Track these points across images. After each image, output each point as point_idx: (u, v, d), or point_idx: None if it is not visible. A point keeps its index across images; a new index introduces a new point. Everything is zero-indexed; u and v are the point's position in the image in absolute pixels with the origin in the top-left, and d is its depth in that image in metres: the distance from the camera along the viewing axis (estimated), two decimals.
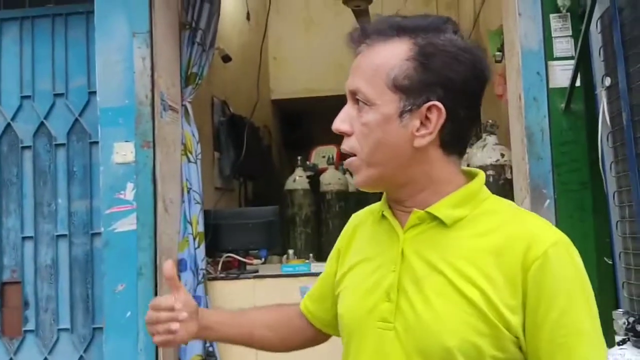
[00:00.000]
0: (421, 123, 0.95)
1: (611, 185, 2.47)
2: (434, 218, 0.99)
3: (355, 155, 1.01)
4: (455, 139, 0.99)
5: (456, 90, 0.95)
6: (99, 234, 2.91)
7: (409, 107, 0.95)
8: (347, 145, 1.02)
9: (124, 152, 2.88)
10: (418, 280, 0.97)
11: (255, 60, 5.32)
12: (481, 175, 1.02)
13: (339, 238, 1.26)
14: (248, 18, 5.18)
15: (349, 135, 1.01)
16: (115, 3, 2.94)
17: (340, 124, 1.03)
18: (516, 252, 0.91)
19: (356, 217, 1.24)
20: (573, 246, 0.94)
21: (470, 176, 1.03)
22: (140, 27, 2.93)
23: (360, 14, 5.56)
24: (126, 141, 2.89)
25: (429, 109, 0.94)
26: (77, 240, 3.04)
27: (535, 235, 0.93)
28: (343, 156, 1.07)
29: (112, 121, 2.90)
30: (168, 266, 1.11)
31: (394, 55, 0.96)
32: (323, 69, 6.78)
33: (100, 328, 2.87)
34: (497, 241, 0.94)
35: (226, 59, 4.55)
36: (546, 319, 0.89)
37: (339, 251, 1.22)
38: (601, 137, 2.48)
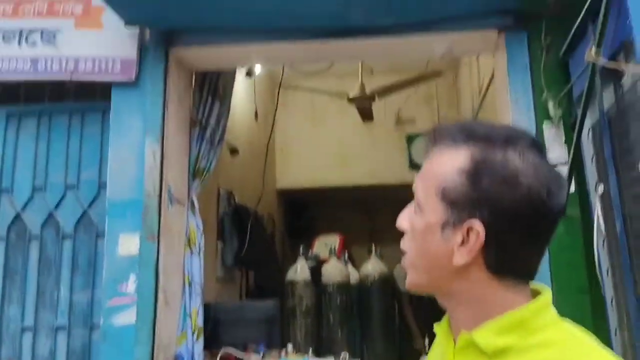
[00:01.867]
0: (463, 240, 0.89)
1: (609, 290, 2.48)
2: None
3: (404, 254, 1.00)
4: (506, 263, 0.89)
5: (502, 214, 0.87)
6: (98, 326, 2.91)
7: (452, 222, 0.90)
8: (402, 243, 1.00)
9: (128, 244, 2.94)
10: None
11: (262, 152, 5.49)
12: (541, 298, 0.90)
13: None
14: (256, 117, 5.40)
15: (405, 233, 0.99)
16: (131, 101, 3.11)
17: (400, 220, 1.00)
18: None
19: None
20: None
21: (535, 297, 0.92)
22: (153, 124, 3.08)
23: (364, 111, 5.80)
24: (131, 234, 2.95)
25: (469, 228, 0.89)
26: (76, 332, 3.03)
27: None
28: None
29: (119, 213, 2.98)
30: None
31: (451, 164, 0.91)
32: (327, 161, 6.97)
33: None
34: None
35: (234, 151, 4.71)
36: None
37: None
38: (597, 242, 2.53)
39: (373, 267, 5.33)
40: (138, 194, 3.00)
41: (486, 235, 0.87)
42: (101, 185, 3.15)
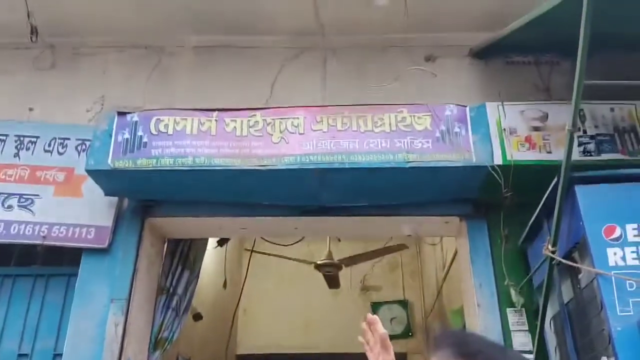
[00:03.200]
0: None
1: None
2: None
3: None
4: None
5: None
6: None
7: None
8: None
9: None
10: None
11: (227, 317, 5.38)
12: None
13: None
14: (225, 286, 5.37)
15: None
16: (100, 267, 3.09)
17: None
18: None
19: None
20: None
21: None
22: (120, 293, 3.04)
23: (330, 278, 5.84)
24: None
25: None
26: None
27: None
28: None
29: None
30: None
31: None
32: (291, 326, 6.82)
33: None
34: None
35: (197, 317, 4.60)
36: None
37: None
38: None
39: None
40: None
41: None
42: (56, 356, 3.00)
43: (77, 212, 3.15)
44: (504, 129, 2.97)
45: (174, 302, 3.43)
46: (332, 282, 6.01)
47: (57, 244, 3.10)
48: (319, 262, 5.63)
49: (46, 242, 3.10)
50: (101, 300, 3.01)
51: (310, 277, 6.51)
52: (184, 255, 3.58)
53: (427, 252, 6.43)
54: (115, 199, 3.21)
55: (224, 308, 5.63)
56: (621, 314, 2.06)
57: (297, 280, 6.96)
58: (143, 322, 3.20)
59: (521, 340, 2.86)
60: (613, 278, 2.08)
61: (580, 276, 2.41)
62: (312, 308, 6.96)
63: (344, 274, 6.21)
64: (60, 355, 2.93)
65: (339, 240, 6.33)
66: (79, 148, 3.33)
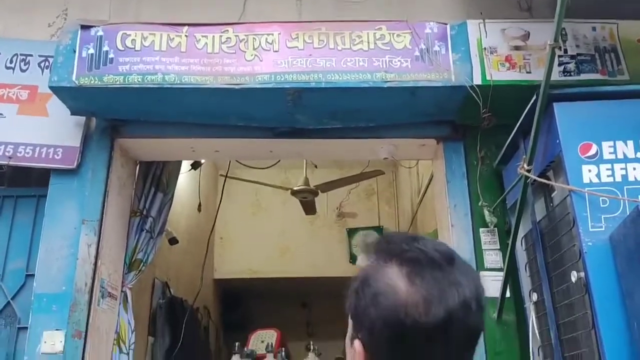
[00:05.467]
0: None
1: None
2: None
3: None
4: None
5: (370, 334, 0.89)
6: None
7: (352, 336, 0.92)
8: None
9: (52, 341, 2.75)
10: None
11: (202, 242, 5.39)
12: None
13: None
14: (199, 209, 5.34)
15: None
16: (70, 189, 3.02)
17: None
18: None
19: None
20: None
21: None
22: (91, 214, 2.99)
23: (307, 204, 5.85)
24: (57, 330, 2.76)
25: (353, 346, 0.91)
26: None
27: None
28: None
29: (45, 308, 2.80)
30: None
31: (354, 279, 0.94)
32: (267, 252, 6.90)
33: None
34: None
35: (173, 241, 4.60)
36: None
37: None
38: (533, 349, 2.57)
39: None
40: (68, 287, 2.84)
41: (365, 354, 0.88)
42: (28, 276, 2.98)
43: (43, 131, 3.04)
44: (485, 48, 2.90)
45: (148, 224, 3.40)
46: (309, 208, 6.03)
47: (24, 164, 3.00)
48: (295, 189, 5.62)
49: (12, 163, 3.00)
50: (72, 221, 2.96)
51: (287, 203, 6.54)
52: (156, 178, 3.52)
53: (402, 178, 6.47)
54: (82, 118, 3.10)
55: (200, 233, 5.64)
56: (593, 229, 2.08)
57: (274, 207, 7.00)
58: (116, 243, 3.17)
59: (493, 259, 2.92)
60: (586, 195, 2.09)
61: (553, 195, 2.42)
62: (289, 234, 7.03)
63: (321, 201, 6.23)
64: (33, 275, 2.91)
65: (316, 167, 6.32)
66: (42, 65, 3.18)
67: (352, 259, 6.90)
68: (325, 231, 7.06)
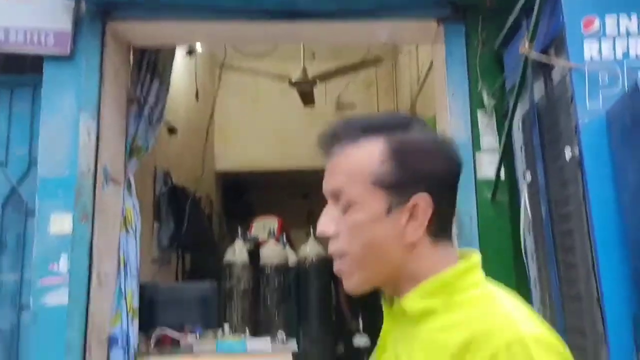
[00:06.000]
0: (410, 216, 0.93)
1: (533, 272, 2.64)
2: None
3: (342, 257, 0.97)
4: (443, 226, 0.96)
5: (437, 181, 0.95)
6: (27, 307, 2.81)
7: (395, 204, 0.93)
8: (335, 247, 0.97)
9: (61, 223, 2.84)
10: None
11: (201, 132, 5.42)
12: (466, 261, 0.95)
13: None
14: (197, 97, 5.30)
15: (335, 237, 0.99)
16: (65, 76, 2.99)
17: (325, 227, 0.98)
18: (472, 353, 0.82)
19: None
20: (543, 346, 0.81)
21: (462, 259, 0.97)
22: (88, 100, 2.98)
23: (305, 95, 5.81)
24: (64, 213, 2.85)
25: (414, 204, 0.93)
26: (4, 313, 2.91)
27: (490, 333, 0.82)
28: (326, 258, 1.02)
29: (51, 192, 2.88)
30: None
31: (371, 155, 0.95)
32: (267, 143, 6.95)
33: None
34: (458, 339, 0.84)
35: (172, 131, 4.62)
36: None
37: None
38: (523, 228, 2.67)
39: (311, 249, 5.39)
40: (71, 172, 2.90)
41: (433, 207, 0.93)
42: (32, 162, 3.02)
43: (32, 15, 2.95)
44: None
45: (146, 112, 3.39)
46: (307, 99, 5.99)
47: (15, 50, 2.95)
48: (293, 79, 5.56)
49: (4, 49, 2.94)
50: (70, 108, 2.96)
51: (285, 95, 6.49)
52: (151, 64, 3.46)
53: (402, 68, 6.37)
54: (71, 3, 2.99)
55: (199, 123, 5.65)
56: (590, 108, 2.08)
57: (272, 98, 6.95)
58: (115, 130, 3.19)
59: (489, 141, 2.95)
60: (586, 69, 2.07)
61: (553, 73, 2.40)
62: (288, 125, 7.04)
63: (319, 92, 6.18)
64: (36, 160, 2.95)
65: (314, 57, 6.20)
66: None
67: None
68: (323, 122, 7.01)
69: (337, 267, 0.98)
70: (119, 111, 3.24)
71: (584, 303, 2.10)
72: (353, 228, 0.95)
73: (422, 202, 0.93)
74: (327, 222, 0.98)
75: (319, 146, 1.01)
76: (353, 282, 0.97)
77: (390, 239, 0.94)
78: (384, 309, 1.03)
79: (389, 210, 0.94)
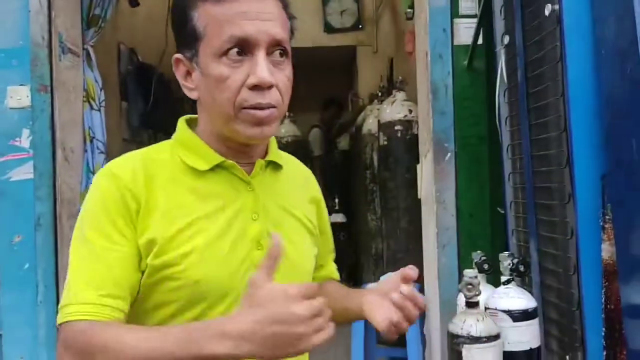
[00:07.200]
0: None
1: (506, 139, 2.62)
2: (270, 165, 1.14)
3: (278, 107, 1.02)
4: None
5: None
6: None
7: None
8: (273, 98, 1.00)
9: (18, 96, 2.71)
10: (278, 224, 1.08)
11: (165, 5, 5.09)
12: None
13: (112, 204, 0.98)
14: None
15: (275, 88, 1.02)
16: None
17: (270, 76, 0.99)
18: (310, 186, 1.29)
19: (132, 174, 1.01)
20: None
21: None
22: None
23: None
24: (21, 85, 2.71)
25: None
26: None
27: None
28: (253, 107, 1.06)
29: (5, 63, 2.71)
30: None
31: (283, 12, 1.04)
32: None
33: None
34: (300, 177, 1.28)
35: (133, 3, 4.32)
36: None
37: (131, 219, 0.98)
38: (499, 93, 2.62)
39: (286, 130, 5.37)
40: (25, 41, 2.72)
41: None
42: None
43: None
44: None
45: None
46: None
47: None
48: None
49: None
50: None
51: None
52: None
53: None
54: None
55: None
56: None
57: None
58: None
59: (468, 5, 2.78)
60: None
61: None
62: None
63: None
64: None
65: None
66: None
67: (327, 28, 6.68)
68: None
69: (268, 115, 1.01)
70: None
71: (553, 164, 2.10)
72: (288, 82, 1.03)
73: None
74: (270, 71, 1.00)
75: None
76: (272, 131, 1.04)
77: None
78: (233, 169, 1.09)
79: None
